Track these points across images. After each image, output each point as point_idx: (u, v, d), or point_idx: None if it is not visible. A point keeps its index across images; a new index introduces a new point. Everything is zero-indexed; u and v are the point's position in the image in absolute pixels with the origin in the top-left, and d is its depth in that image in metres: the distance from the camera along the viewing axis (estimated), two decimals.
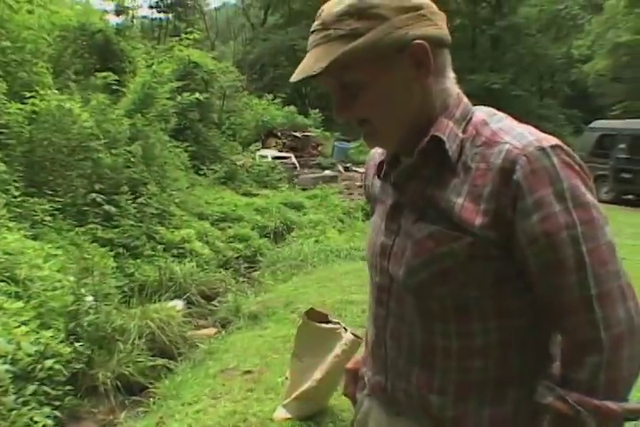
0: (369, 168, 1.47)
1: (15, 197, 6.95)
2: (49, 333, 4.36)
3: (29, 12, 9.15)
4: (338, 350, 3.52)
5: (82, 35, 11.08)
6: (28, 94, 7.66)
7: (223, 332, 6.34)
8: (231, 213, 12.33)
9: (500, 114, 1.21)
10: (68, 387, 4.36)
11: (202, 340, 6.16)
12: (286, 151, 21.57)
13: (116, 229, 8.29)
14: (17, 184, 7.18)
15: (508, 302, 1.15)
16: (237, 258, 10.58)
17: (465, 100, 1.22)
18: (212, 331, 6.67)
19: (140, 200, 9.16)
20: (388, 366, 1.30)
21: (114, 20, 15.61)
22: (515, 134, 1.11)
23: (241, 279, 9.27)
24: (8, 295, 4.77)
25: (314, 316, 3.75)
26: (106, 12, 13.15)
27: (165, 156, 11.32)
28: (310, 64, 1.11)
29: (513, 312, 1.16)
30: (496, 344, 1.17)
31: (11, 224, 6.35)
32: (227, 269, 9.70)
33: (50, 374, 4.00)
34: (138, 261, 8.09)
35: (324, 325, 3.66)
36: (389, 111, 1.16)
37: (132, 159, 9.53)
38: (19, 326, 4.15)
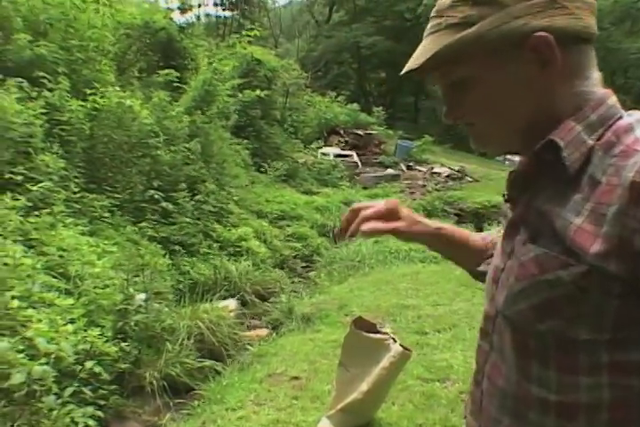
0: None
1: (75, 193, 7.02)
2: (96, 331, 4.32)
3: (96, 11, 9.27)
4: (386, 362, 3.32)
5: (146, 33, 11.21)
6: (89, 91, 7.72)
7: (274, 334, 6.20)
8: (290, 212, 12.26)
9: None
10: (114, 386, 4.31)
11: (253, 341, 6.07)
12: (348, 149, 21.45)
13: (173, 227, 8.30)
14: (77, 180, 7.25)
15: (633, 355, 0.89)
16: (295, 257, 10.50)
17: (610, 102, 0.98)
18: (263, 332, 6.57)
19: (197, 197, 9.17)
20: (482, 409, 1.10)
21: (179, 18, 15.82)
22: None
23: (297, 279, 9.16)
24: (60, 292, 4.77)
25: (362, 325, 3.56)
26: (170, 10, 13.24)
27: (225, 153, 11.33)
28: (416, 56, 0.99)
29: (637, 368, 0.89)
30: (608, 405, 0.91)
31: (69, 220, 6.40)
32: (283, 268, 9.62)
33: (91, 375, 3.94)
34: (193, 259, 8.09)
35: (372, 335, 3.47)
36: (500, 113, 1.00)
37: (191, 156, 9.55)
38: (65, 324, 4.11)
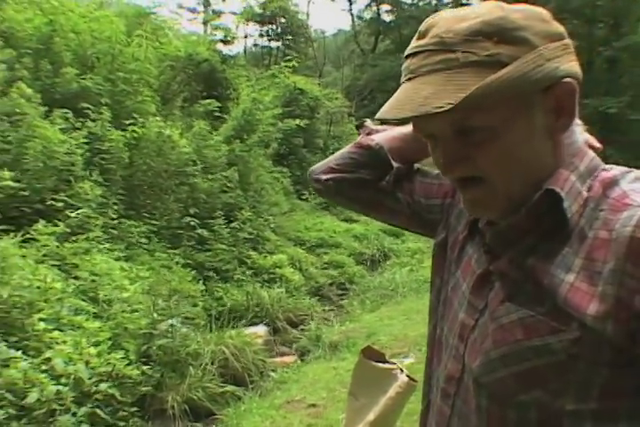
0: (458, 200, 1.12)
1: (113, 220, 7.26)
2: (119, 354, 4.45)
3: (139, 44, 9.67)
4: (392, 392, 3.31)
5: (189, 64, 11.58)
6: (128, 122, 8.02)
7: (299, 361, 6.25)
8: (329, 239, 12.33)
9: (637, 172, 0.90)
10: (134, 409, 4.42)
11: (279, 367, 6.12)
12: None
13: (208, 253, 8.48)
14: (116, 207, 7.50)
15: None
16: (330, 285, 10.53)
17: (591, 152, 0.94)
18: (291, 359, 6.62)
19: (233, 225, 9.34)
20: None
21: (227, 48, 16.30)
22: None
23: (330, 307, 9.19)
24: (89, 315, 4.94)
25: (371, 354, 3.58)
26: (213, 42, 13.66)
27: (263, 181, 11.53)
28: (423, 97, 0.81)
29: None
30: None
31: (105, 245, 6.63)
32: (318, 295, 9.67)
33: (111, 397, 4.05)
34: (227, 285, 8.21)
35: (380, 364, 3.48)
36: (516, 168, 0.87)
37: (229, 184, 9.76)
38: (90, 347, 4.25)
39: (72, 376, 3.76)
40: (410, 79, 0.86)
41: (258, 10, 23.96)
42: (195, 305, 6.89)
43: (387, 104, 0.87)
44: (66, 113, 7.58)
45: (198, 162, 9.29)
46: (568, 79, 0.85)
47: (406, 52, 0.90)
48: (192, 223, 8.54)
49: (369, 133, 1.34)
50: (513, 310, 0.86)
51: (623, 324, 0.76)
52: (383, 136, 1.31)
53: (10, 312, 4.27)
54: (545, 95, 0.85)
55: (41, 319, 4.22)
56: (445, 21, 0.86)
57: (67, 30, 8.92)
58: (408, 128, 1.26)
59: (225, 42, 15.48)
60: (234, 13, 24.30)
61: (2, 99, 7.18)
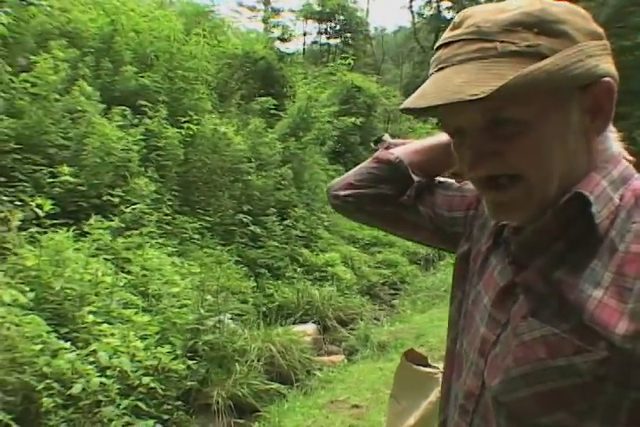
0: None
1: (167, 215, 7.38)
2: (166, 349, 4.51)
3: (197, 42, 9.81)
4: (433, 396, 3.24)
5: (247, 62, 11.69)
6: (183, 119, 8.14)
7: (346, 360, 6.21)
8: (383, 238, 12.23)
9: None
10: (179, 402, 4.47)
11: (326, 366, 6.10)
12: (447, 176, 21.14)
13: (260, 250, 8.53)
14: (170, 203, 7.63)
15: None
16: (383, 284, 10.45)
17: (625, 161, 0.89)
18: (339, 358, 6.59)
19: (286, 222, 9.38)
20: None
21: (285, 46, 16.40)
22: None
23: (381, 306, 9.12)
24: (139, 309, 5.03)
25: (413, 357, 3.51)
26: (271, 39, 13.76)
27: (318, 178, 11.53)
28: (456, 85, 0.77)
29: None
30: None
31: (159, 241, 6.75)
32: (369, 294, 9.60)
33: (156, 390, 4.11)
34: (278, 282, 8.24)
35: (421, 368, 3.41)
36: (549, 166, 0.82)
37: (283, 182, 9.80)
38: (136, 341, 4.32)
39: (117, 369, 3.83)
40: (441, 69, 0.82)
41: (317, 7, 24.02)
42: (245, 302, 6.93)
43: (413, 95, 0.83)
44: (124, 110, 7.76)
45: (253, 159, 9.36)
46: (608, 78, 0.81)
47: (437, 44, 0.86)
48: (245, 220, 8.61)
49: (387, 148, 1.30)
50: (536, 327, 0.81)
51: None
52: (402, 150, 1.26)
53: (62, 304, 4.39)
54: (583, 93, 0.81)
55: (90, 312, 4.32)
56: (482, 13, 0.83)
57: (127, 29, 9.14)
58: (428, 141, 1.25)
59: (282, 39, 15.57)
60: (293, 11, 24.43)
61: (64, 97, 7.39)
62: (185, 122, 8.11)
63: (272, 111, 11.26)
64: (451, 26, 0.86)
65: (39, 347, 3.65)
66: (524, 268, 0.86)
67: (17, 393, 3.46)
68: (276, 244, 8.81)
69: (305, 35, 26.14)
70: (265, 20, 20.54)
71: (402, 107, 0.84)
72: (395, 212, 1.24)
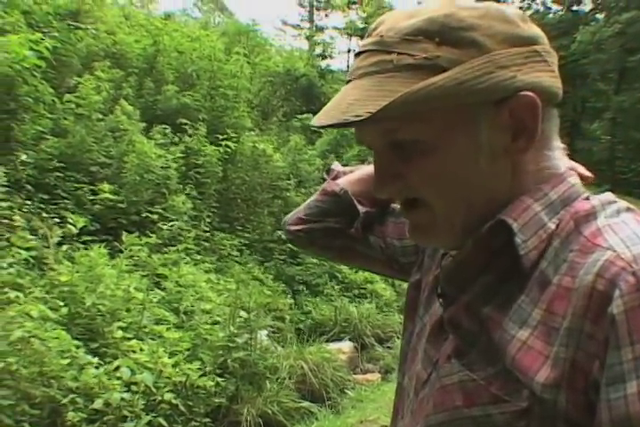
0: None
1: (205, 232, 7.46)
2: (195, 365, 4.52)
3: (237, 61, 9.97)
4: None
5: (288, 79, 11.83)
6: (222, 137, 8.25)
7: (380, 379, 6.12)
8: None
9: (623, 203, 0.74)
10: (207, 420, 4.47)
11: (362, 385, 6.02)
12: None
13: (299, 267, 8.53)
14: (209, 220, 7.71)
15: None
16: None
17: (573, 180, 0.77)
18: (374, 377, 6.50)
19: None
20: None
21: (326, 63, 16.49)
22: (627, 236, 0.66)
23: None
24: (172, 325, 5.06)
25: None
26: (312, 57, 13.89)
27: None
28: (347, 103, 0.71)
29: None
30: None
31: (196, 257, 6.83)
32: None
33: (185, 406, 4.12)
34: (316, 299, 8.20)
35: None
36: (454, 191, 0.74)
37: None
38: (164, 357, 4.34)
39: (143, 384, 3.85)
40: (347, 82, 0.76)
41: (360, 24, 24.14)
42: (282, 318, 6.92)
43: (321, 110, 0.77)
44: (165, 128, 7.92)
45: (292, 176, 9.41)
46: (526, 92, 0.70)
47: (356, 51, 0.80)
48: (284, 237, 8.60)
49: (335, 177, 1.26)
50: (455, 370, 0.73)
51: (578, 394, 0.62)
52: (347, 179, 1.22)
53: (94, 319, 4.46)
54: (497, 109, 0.71)
55: (120, 328, 4.37)
56: (394, 18, 0.75)
57: (170, 50, 9.36)
58: (371, 167, 1.16)
59: (324, 57, 15.68)
60: (336, 28, 24.62)
61: (107, 116, 7.59)
62: (223, 139, 8.21)
63: (313, 128, 11.34)
64: (369, 30, 0.78)
65: (67, 361, 3.70)
66: (453, 302, 0.78)
67: (44, 407, 3.52)
68: (315, 261, 8.76)
69: (349, 51, 26.28)
70: (309, 38, 20.73)
71: (310, 124, 0.79)
72: (346, 244, 1.19)
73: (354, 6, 24.05)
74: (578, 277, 0.64)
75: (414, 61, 0.69)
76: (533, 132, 0.72)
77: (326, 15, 23.62)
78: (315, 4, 23.59)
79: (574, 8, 25.33)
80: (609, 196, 0.76)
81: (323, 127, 0.75)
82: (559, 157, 0.79)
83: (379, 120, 0.68)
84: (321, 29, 23.68)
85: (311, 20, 23.71)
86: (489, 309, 0.72)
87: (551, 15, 25.93)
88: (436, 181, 0.73)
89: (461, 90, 0.67)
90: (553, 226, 0.72)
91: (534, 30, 0.74)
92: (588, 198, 0.75)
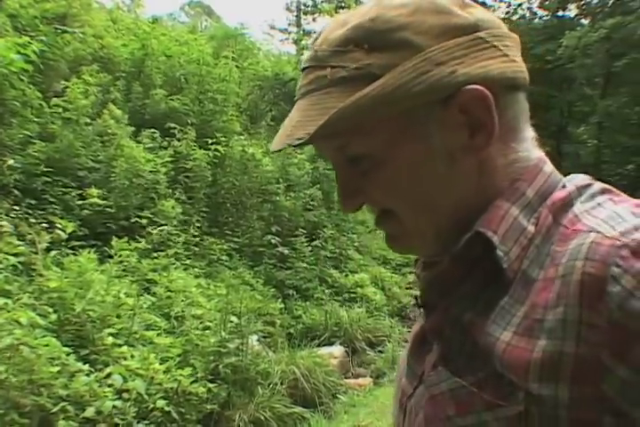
0: None
1: (194, 237, 7.41)
2: (187, 371, 4.47)
3: (225, 65, 9.94)
4: None
5: (276, 83, 11.82)
6: (210, 141, 8.22)
7: (372, 383, 6.10)
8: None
9: (598, 185, 0.72)
10: (199, 426, 4.42)
11: (353, 389, 6.00)
12: None
13: (289, 271, 8.49)
14: (198, 224, 7.66)
15: None
16: (414, 305, 10.26)
17: (547, 168, 0.74)
18: (366, 381, 6.48)
19: (315, 243, 9.33)
20: None
21: None
22: (608, 216, 0.63)
23: (411, 328, 8.95)
24: (162, 331, 5.02)
25: None
26: (300, 61, 13.90)
27: None
28: (291, 126, 0.69)
29: None
30: None
31: (185, 262, 6.78)
32: (400, 316, 9.46)
33: (165, 413, 4.07)
34: (307, 303, 8.17)
35: None
36: (415, 200, 0.71)
37: (312, 202, 9.78)
38: (157, 363, 4.30)
39: (134, 391, 3.81)
40: (295, 102, 0.74)
41: None
42: (272, 323, 6.88)
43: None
44: (153, 133, 7.87)
45: (282, 180, 9.39)
46: (474, 86, 0.65)
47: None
48: (274, 241, 8.60)
49: None
50: (444, 378, 0.68)
51: (584, 387, 0.57)
52: None
53: (84, 326, 4.40)
54: (445, 108, 0.67)
55: (111, 334, 4.32)
56: (328, 29, 0.71)
57: (158, 54, 9.32)
58: None
59: None
60: None
61: (95, 120, 7.53)
62: (212, 144, 8.17)
63: None
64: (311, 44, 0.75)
65: (57, 369, 3.65)
66: (433, 310, 0.75)
67: (33, 415, 3.46)
68: (305, 265, 8.75)
69: None
70: (296, 42, 20.75)
71: (272, 148, 0.75)
72: None
73: (341, 11, 24.09)
74: (561, 264, 0.61)
75: (346, 73, 0.67)
76: (491, 125, 0.68)
77: (314, 19, 23.62)
78: (302, 8, 23.60)
79: (560, 13, 25.52)
80: (584, 179, 0.73)
81: (277, 151, 0.74)
82: (529, 148, 0.74)
83: (326, 138, 0.67)
84: (309, 33, 23.71)
85: (299, 25, 23.71)
86: (471, 314, 0.69)
87: (537, 20, 26.12)
88: (394, 193, 0.71)
89: (397, 96, 0.65)
90: (533, 228, 0.68)
91: (478, 15, 0.69)
92: (565, 186, 0.72)
